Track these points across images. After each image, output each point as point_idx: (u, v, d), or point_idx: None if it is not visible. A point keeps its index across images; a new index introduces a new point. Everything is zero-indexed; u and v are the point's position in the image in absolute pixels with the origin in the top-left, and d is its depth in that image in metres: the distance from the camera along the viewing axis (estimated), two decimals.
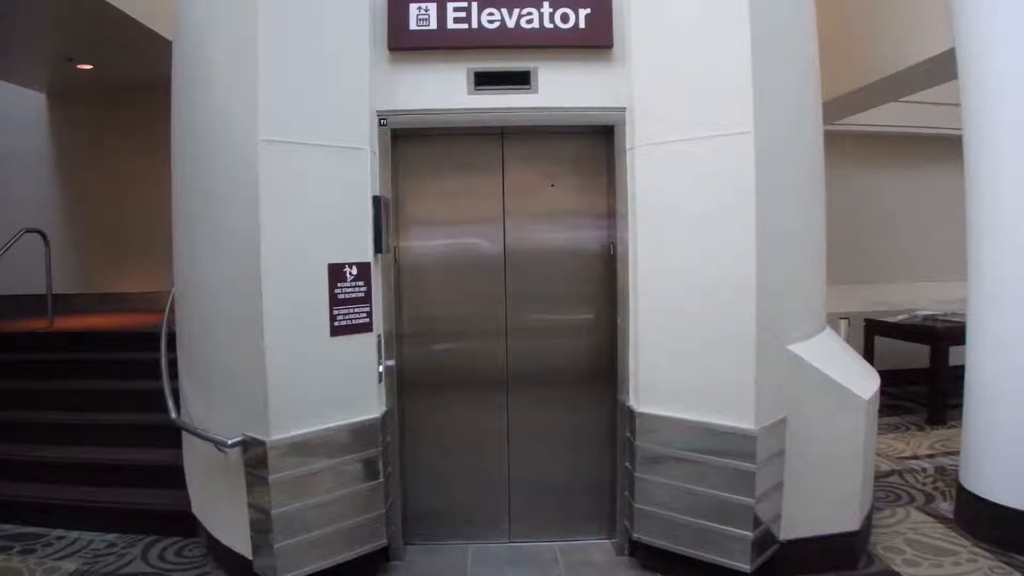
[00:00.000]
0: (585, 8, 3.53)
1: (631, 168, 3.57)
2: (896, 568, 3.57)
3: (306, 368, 3.26)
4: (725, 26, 3.27)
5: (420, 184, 3.82)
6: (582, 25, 3.54)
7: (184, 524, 3.97)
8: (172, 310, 4.13)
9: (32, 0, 5.12)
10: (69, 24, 5.68)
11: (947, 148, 6.25)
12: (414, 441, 3.86)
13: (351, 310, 3.37)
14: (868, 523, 3.80)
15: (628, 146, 3.59)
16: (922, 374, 6.65)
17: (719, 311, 3.29)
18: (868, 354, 6.77)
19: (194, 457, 3.87)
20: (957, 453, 4.41)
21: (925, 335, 6.37)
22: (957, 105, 4.05)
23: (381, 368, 3.54)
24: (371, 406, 3.47)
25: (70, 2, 5.07)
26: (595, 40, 3.56)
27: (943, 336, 6.15)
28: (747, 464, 3.23)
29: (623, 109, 3.60)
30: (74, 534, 4.12)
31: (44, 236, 6.39)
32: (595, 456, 3.91)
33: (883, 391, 3.85)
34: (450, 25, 3.52)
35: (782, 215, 3.37)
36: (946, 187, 6.16)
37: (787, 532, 3.47)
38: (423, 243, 3.86)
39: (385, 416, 3.55)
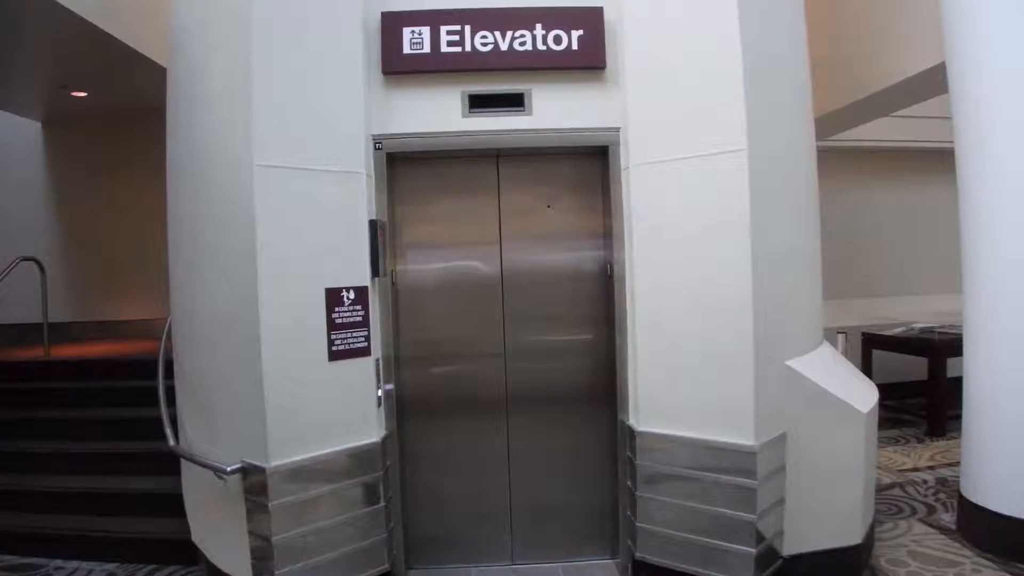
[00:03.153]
0: (578, 30, 3.56)
1: (627, 188, 3.58)
2: None
3: (305, 393, 3.25)
4: (717, 45, 3.31)
5: (416, 207, 3.84)
6: (575, 47, 3.57)
7: (184, 552, 3.94)
8: (169, 337, 4.12)
9: (25, 28, 5.14)
10: (63, 51, 5.69)
11: (940, 161, 6.32)
12: (415, 464, 3.84)
13: (349, 334, 3.37)
14: (871, 536, 3.79)
15: (623, 166, 3.61)
16: (920, 386, 6.65)
17: (717, 328, 3.30)
18: (866, 368, 6.78)
19: (193, 484, 3.85)
20: (958, 464, 4.41)
21: (922, 347, 6.39)
22: (949, 119, 4.09)
23: (380, 392, 3.53)
24: (371, 430, 3.46)
25: (64, 30, 5.09)
26: (588, 61, 3.59)
27: (940, 348, 6.17)
28: (748, 480, 3.23)
29: (617, 129, 3.63)
30: (73, 564, 4.09)
31: (40, 264, 6.38)
32: (596, 476, 3.89)
33: (882, 404, 3.86)
34: (444, 49, 3.55)
35: (778, 231, 3.39)
36: (940, 200, 6.22)
37: (790, 547, 3.47)
38: (420, 266, 3.87)
39: (385, 440, 3.54)
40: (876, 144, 7.83)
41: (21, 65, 6.08)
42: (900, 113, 6.78)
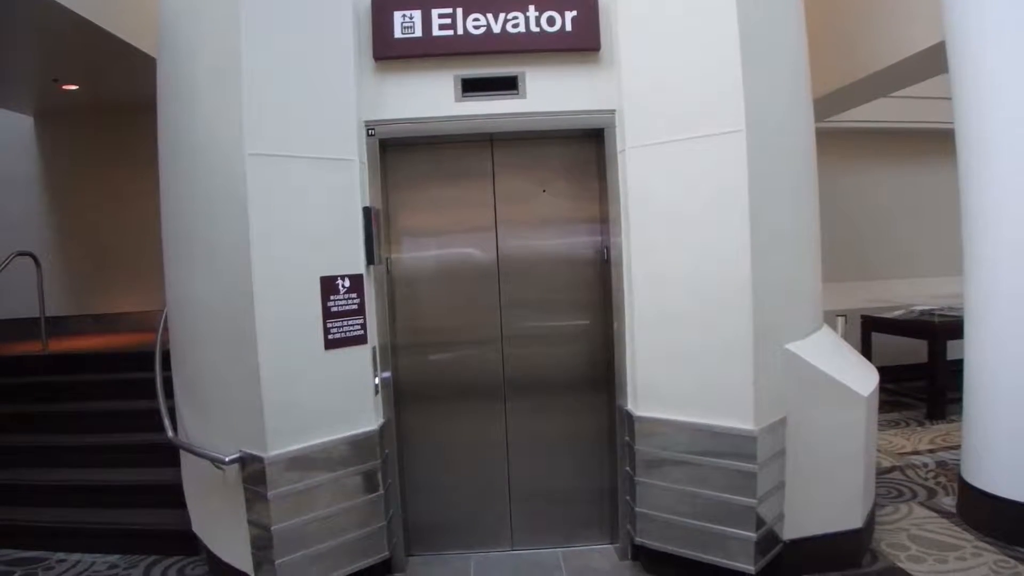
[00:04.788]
0: (571, 11, 3.52)
1: (622, 171, 3.55)
2: (900, 564, 3.55)
3: (302, 382, 3.23)
4: (713, 25, 3.26)
5: (410, 194, 3.81)
6: (568, 28, 3.53)
7: (185, 543, 3.94)
8: (166, 329, 4.11)
9: (15, 21, 5.09)
10: (53, 45, 5.64)
11: (939, 142, 6.29)
12: (413, 452, 3.84)
13: (345, 323, 3.35)
14: (871, 520, 3.78)
15: (619, 149, 3.58)
16: (920, 369, 6.64)
17: (715, 312, 3.28)
18: (865, 351, 6.76)
19: (193, 475, 3.84)
20: (958, 447, 4.40)
21: (922, 330, 6.37)
22: (949, 99, 4.05)
23: (377, 380, 3.52)
24: (368, 418, 3.45)
25: (53, 23, 5.05)
26: (582, 43, 3.54)
27: (940, 331, 6.15)
28: (748, 465, 3.21)
29: (613, 112, 3.59)
30: (75, 556, 4.09)
31: (35, 259, 6.36)
32: (595, 461, 3.89)
33: (882, 387, 3.84)
34: (435, 32, 3.51)
35: (776, 213, 3.35)
36: (940, 181, 6.19)
37: (790, 531, 3.46)
38: (415, 253, 3.85)
39: (383, 428, 3.53)
40: (875, 125, 7.79)
41: (11, 59, 6.03)
42: (899, 93, 6.72)
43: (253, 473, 3.19)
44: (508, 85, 3.59)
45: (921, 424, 6.10)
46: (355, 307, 3.40)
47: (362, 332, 3.43)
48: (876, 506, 3.97)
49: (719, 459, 3.28)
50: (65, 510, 4.34)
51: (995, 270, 3.80)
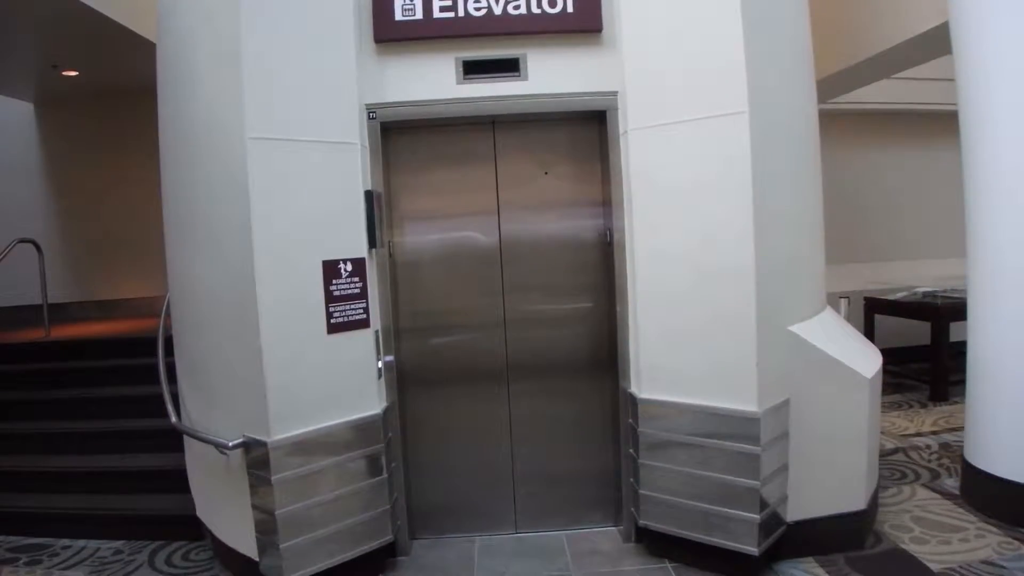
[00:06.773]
0: None
1: (625, 153, 3.53)
2: (904, 546, 3.56)
3: (304, 367, 3.23)
4: (715, 5, 3.23)
5: (412, 177, 3.79)
6: (570, 9, 3.49)
7: (189, 528, 3.95)
8: (168, 314, 4.10)
9: (14, 8, 5.07)
10: (53, 31, 5.63)
11: (944, 124, 6.25)
12: (416, 436, 3.84)
13: (347, 306, 3.35)
14: (875, 502, 3.79)
15: (621, 130, 3.56)
16: (923, 351, 6.63)
17: (719, 294, 3.27)
18: (868, 332, 6.76)
19: (196, 460, 3.85)
20: (961, 429, 4.40)
21: (925, 312, 6.35)
22: (953, 80, 4.02)
23: (380, 364, 3.52)
24: (371, 402, 3.45)
25: (52, 8, 5.02)
26: (584, 24, 3.51)
27: (943, 313, 6.13)
28: (751, 447, 3.21)
29: (615, 93, 3.56)
30: (80, 543, 4.11)
31: (37, 246, 6.35)
32: (599, 444, 3.89)
33: (884, 369, 3.82)
34: (436, 14, 3.47)
35: (780, 195, 3.34)
36: (944, 163, 6.15)
37: (794, 513, 3.46)
38: (417, 237, 3.83)
39: (386, 412, 3.53)
40: (879, 107, 7.76)
41: (11, 46, 6.02)
42: (903, 75, 6.70)
43: (257, 458, 3.19)
44: (510, 67, 3.57)
45: (924, 406, 6.10)
46: (357, 291, 3.39)
47: (365, 316, 3.42)
48: (879, 488, 3.98)
49: (723, 441, 3.28)
50: (69, 496, 4.35)
51: (999, 252, 3.78)
